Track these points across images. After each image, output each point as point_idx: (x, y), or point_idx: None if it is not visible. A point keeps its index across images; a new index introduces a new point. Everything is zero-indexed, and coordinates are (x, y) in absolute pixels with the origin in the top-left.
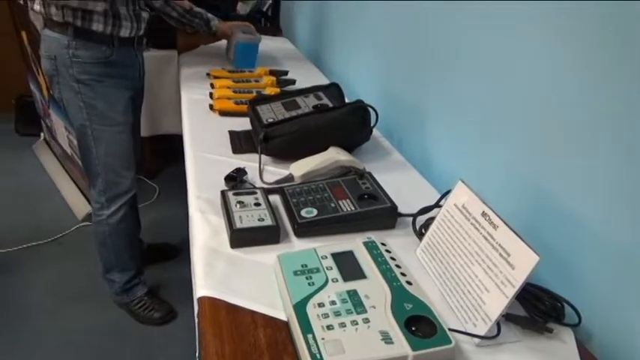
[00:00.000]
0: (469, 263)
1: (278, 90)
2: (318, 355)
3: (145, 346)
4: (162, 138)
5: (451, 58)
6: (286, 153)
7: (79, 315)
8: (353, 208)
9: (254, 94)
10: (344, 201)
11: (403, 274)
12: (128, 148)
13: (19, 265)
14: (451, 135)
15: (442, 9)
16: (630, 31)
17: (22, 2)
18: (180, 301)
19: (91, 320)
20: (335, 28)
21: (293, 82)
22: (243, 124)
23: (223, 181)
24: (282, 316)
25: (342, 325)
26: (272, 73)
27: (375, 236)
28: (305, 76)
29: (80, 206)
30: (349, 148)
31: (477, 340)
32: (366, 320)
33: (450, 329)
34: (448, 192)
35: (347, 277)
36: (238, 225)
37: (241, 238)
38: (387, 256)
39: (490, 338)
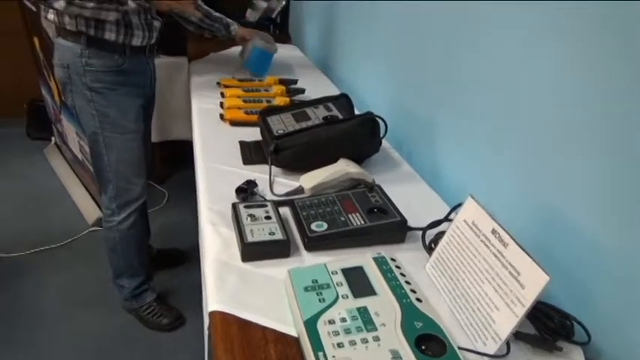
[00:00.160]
0: (479, 281)
1: (288, 100)
2: None
3: (154, 352)
4: (172, 143)
5: (462, 70)
6: (296, 164)
7: (89, 320)
8: (362, 222)
9: (264, 103)
10: (354, 214)
11: (413, 291)
12: (139, 156)
13: (31, 269)
14: (461, 148)
15: (452, 21)
16: None
17: (34, 9)
18: (189, 307)
19: (100, 325)
20: (344, 36)
21: (302, 91)
22: (254, 133)
23: (234, 193)
24: (293, 332)
25: (353, 343)
26: (281, 82)
27: (384, 251)
28: (314, 85)
29: (90, 211)
30: (359, 160)
31: (486, 358)
32: (377, 338)
33: (459, 348)
34: (457, 206)
35: (357, 293)
36: (249, 239)
37: (252, 251)
38: (396, 272)
39: (500, 357)
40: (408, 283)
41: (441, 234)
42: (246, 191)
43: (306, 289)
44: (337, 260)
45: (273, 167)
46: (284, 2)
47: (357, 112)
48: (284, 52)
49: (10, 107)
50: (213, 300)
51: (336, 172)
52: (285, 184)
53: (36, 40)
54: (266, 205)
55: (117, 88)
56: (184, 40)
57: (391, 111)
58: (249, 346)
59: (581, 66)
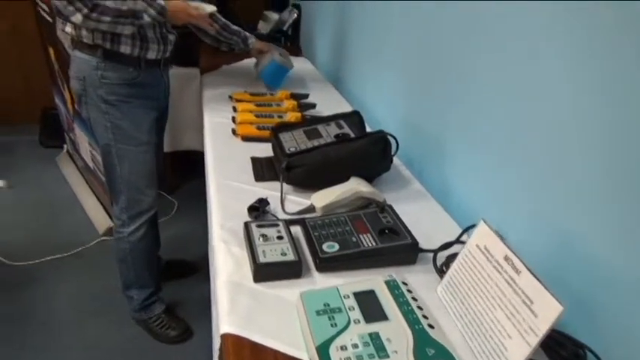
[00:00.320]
0: (491, 307)
1: (299, 115)
2: None
3: None
4: (182, 153)
5: (474, 88)
6: (308, 182)
7: (98, 330)
8: (374, 244)
9: (275, 118)
10: (365, 235)
11: (425, 317)
12: (151, 167)
13: (41, 277)
14: (472, 167)
15: (465, 39)
16: None
17: (50, 20)
18: (197, 319)
19: (109, 336)
20: (355, 51)
21: (313, 106)
22: (266, 149)
23: (246, 210)
24: (305, 357)
25: None
26: (293, 96)
27: (395, 272)
28: (325, 100)
29: (101, 220)
30: (370, 178)
31: None
32: None
33: None
34: (469, 228)
35: (369, 318)
36: (262, 259)
37: (264, 272)
38: (408, 296)
39: None
40: (420, 308)
41: (453, 256)
42: (258, 209)
43: (318, 312)
44: (349, 283)
45: (284, 184)
46: (295, 15)
47: (368, 128)
48: (295, 64)
49: (23, 115)
50: (225, 322)
51: (348, 191)
52: (296, 201)
53: (51, 51)
54: (278, 225)
55: (131, 100)
56: (196, 52)
57: (402, 128)
58: None
59: (600, 86)
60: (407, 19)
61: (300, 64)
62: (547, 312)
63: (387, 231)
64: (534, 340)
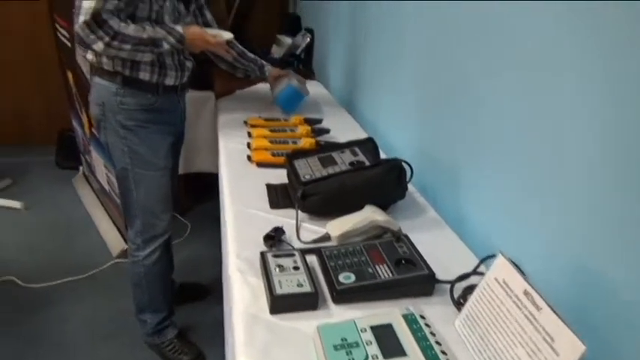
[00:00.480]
0: (512, 344)
1: (313, 141)
2: None
3: None
4: (194, 174)
5: (490, 115)
6: (323, 210)
7: (111, 353)
8: (390, 275)
9: (290, 144)
10: (381, 266)
11: (444, 352)
12: (167, 192)
13: (55, 300)
14: (488, 195)
15: (481, 65)
16: None
17: (69, 45)
18: (209, 344)
19: (122, 359)
20: (368, 75)
21: (327, 131)
22: (281, 175)
23: (262, 239)
24: None
25: None
26: (307, 121)
27: (411, 304)
28: (338, 124)
29: (115, 242)
30: (384, 206)
31: None
32: None
33: None
34: (486, 258)
35: (387, 353)
36: (278, 291)
37: (281, 304)
38: (426, 330)
39: None
40: (438, 343)
41: (470, 288)
42: (274, 238)
43: (335, 347)
44: (366, 317)
45: (299, 212)
46: (308, 39)
47: (381, 153)
48: (308, 88)
49: (41, 136)
50: (242, 354)
51: (363, 220)
52: (311, 230)
53: (70, 75)
54: (294, 255)
55: (149, 125)
56: (211, 75)
57: (415, 153)
58: None
59: (627, 118)
60: (420, 44)
61: (313, 88)
62: (569, 351)
63: (403, 261)
64: None
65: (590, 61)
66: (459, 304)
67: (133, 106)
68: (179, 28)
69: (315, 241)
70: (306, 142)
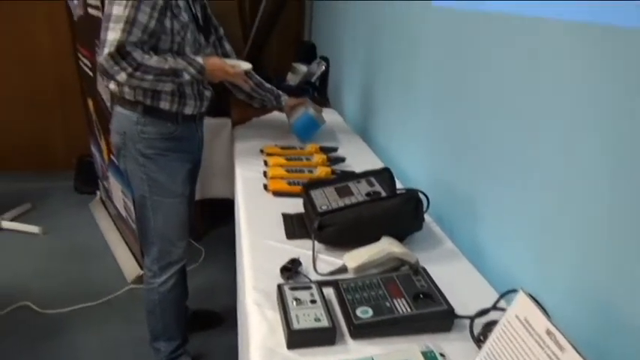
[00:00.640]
0: None
1: (329, 169)
2: None
3: None
4: (209, 200)
5: (507, 144)
6: (340, 241)
7: None
8: (409, 310)
9: (306, 173)
10: (399, 300)
11: None
12: (184, 219)
13: (70, 326)
14: (506, 227)
15: (496, 93)
16: None
17: (91, 74)
18: None
19: None
20: (383, 103)
21: (343, 159)
22: (297, 204)
23: (279, 271)
24: None
25: None
26: (322, 149)
27: (430, 340)
28: (354, 153)
29: (130, 268)
30: (401, 237)
31: None
32: None
33: None
34: (506, 293)
35: None
36: (295, 326)
37: (298, 339)
38: None
39: None
40: None
41: (490, 324)
42: (291, 270)
43: None
44: (385, 354)
45: (316, 242)
46: (324, 67)
47: (397, 182)
48: (323, 116)
49: (60, 162)
50: None
51: (380, 251)
52: (328, 261)
53: (90, 102)
54: (311, 288)
55: (167, 154)
56: (227, 103)
57: (431, 183)
58: None
59: None
60: (435, 73)
61: (328, 116)
62: None
63: (421, 295)
64: None
65: (613, 94)
66: (479, 340)
67: (153, 134)
68: (199, 59)
69: (331, 273)
70: (321, 171)
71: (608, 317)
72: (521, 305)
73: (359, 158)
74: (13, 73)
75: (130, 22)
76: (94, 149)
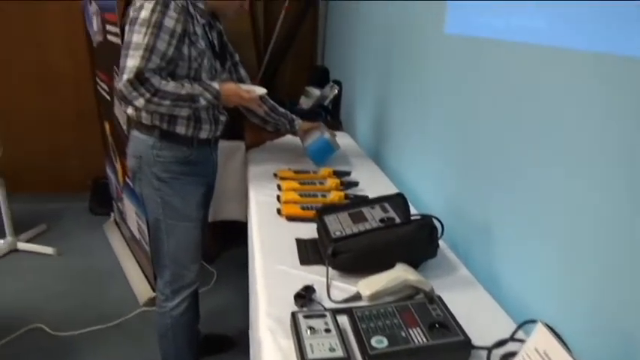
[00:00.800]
0: None
1: (342, 194)
2: None
3: None
4: (221, 222)
5: (521, 169)
6: (354, 268)
7: None
8: (425, 340)
9: (319, 197)
10: (414, 329)
11: None
12: (197, 242)
13: (81, 349)
14: (523, 255)
15: (511, 118)
16: None
17: (108, 99)
18: None
19: None
20: (396, 127)
21: (356, 184)
22: (311, 229)
23: (292, 297)
24: None
25: None
26: (335, 173)
27: None
28: (367, 177)
29: (142, 290)
30: (415, 264)
31: None
32: None
33: None
34: (524, 323)
35: None
36: (310, 355)
37: None
38: None
39: None
40: None
41: (508, 356)
42: (305, 297)
43: None
44: None
45: (329, 268)
46: (336, 91)
47: (411, 207)
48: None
49: (76, 183)
50: None
51: (395, 279)
52: (342, 288)
53: (107, 125)
54: (325, 316)
55: (182, 177)
56: (241, 127)
57: (444, 208)
58: None
59: None
60: (452, 96)
61: (341, 139)
62: None
63: (437, 325)
64: None
65: (630, 127)
66: None
67: (169, 158)
68: (215, 85)
69: (345, 301)
70: (335, 196)
71: (630, 350)
72: (540, 338)
73: (372, 182)
74: (32, 95)
75: (149, 50)
76: (109, 171)
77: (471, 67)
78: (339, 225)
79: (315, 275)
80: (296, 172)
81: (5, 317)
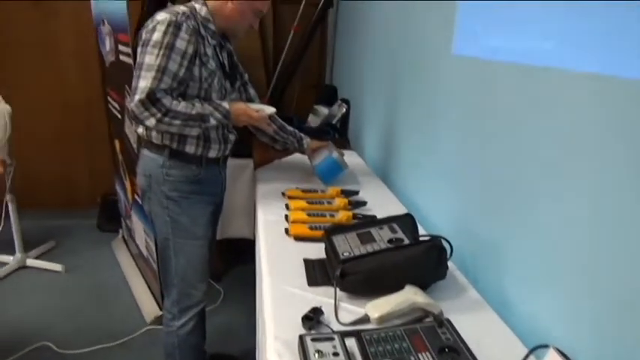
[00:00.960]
0: None
1: (350, 214)
2: None
3: None
4: (228, 239)
5: (530, 190)
6: (362, 290)
7: None
8: None
9: (327, 217)
10: (424, 354)
11: None
12: (205, 261)
13: None
14: (533, 275)
15: (518, 142)
16: None
17: (119, 117)
18: None
19: None
20: (405, 147)
21: (364, 203)
22: (319, 249)
23: (300, 319)
24: None
25: None
26: (343, 192)
27: None
28: (375, 196)
29: (149, 308)
30: (424, 286)
31: None
32: None
33: None
34: (535, 348)
35: None
36: None
37: None
38: None
39: None
40: None
41: None
42: (313, 319)
43: None
44: None
45: (337, 290)
46: (344, 109)
47: (420, 227)
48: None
49: (85, 200)
50: None
51: (404, 301)
52: (350, 310)
53: (117, 143)
54: (333, 339)
55: (191, 196)
56: (249, 145)
57: (453, 229)
58: None
59: None
60: (462, 116)
61: (348, 158)
62: None
63: (446, 350)
64: None
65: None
66: None
67: (178, 177)
68: (225, 104)
69: (353, 323)
70: (343, 216)
71: None
72: None
73: (380, 201)
74: (43, 114)
75: (161, 71)
76: (118, 188)
77: (478, 88)
78: (348, 246)
79: (323, 297)
80: (304, 191)
81: (13, 335)
